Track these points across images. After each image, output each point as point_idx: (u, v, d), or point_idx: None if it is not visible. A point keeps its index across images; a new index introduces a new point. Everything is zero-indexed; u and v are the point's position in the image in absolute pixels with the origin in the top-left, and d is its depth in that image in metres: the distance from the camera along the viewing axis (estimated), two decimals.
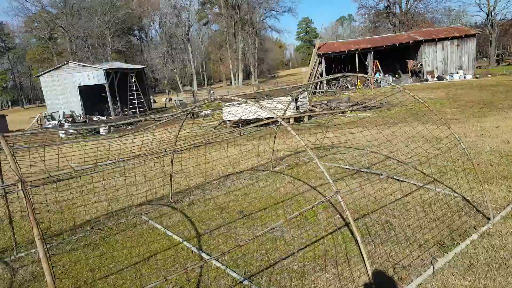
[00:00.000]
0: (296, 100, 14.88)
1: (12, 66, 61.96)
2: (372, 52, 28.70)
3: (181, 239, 4.73)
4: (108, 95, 26.50)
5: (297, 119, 15.60)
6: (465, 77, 26.33)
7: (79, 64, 26.38)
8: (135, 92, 28.52)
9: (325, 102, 20.24)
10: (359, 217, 4.93)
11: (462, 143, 4.58)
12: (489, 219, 4.46)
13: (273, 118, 4.02)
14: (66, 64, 26.30)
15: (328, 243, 4.33)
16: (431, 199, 5.28)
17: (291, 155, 8.62)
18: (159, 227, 5.22)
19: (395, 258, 3.80)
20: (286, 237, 4.58)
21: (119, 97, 27.84)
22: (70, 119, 24.35)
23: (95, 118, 27.25)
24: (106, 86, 26.10)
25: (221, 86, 71.36)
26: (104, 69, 25.61)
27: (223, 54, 67.12)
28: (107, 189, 7.10)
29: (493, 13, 42.75)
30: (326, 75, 29.09)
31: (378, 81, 28.72)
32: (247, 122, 15.84)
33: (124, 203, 6.46)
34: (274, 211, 5.46)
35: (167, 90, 46.44)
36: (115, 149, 5.98)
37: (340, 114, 15.89)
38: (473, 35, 28.83)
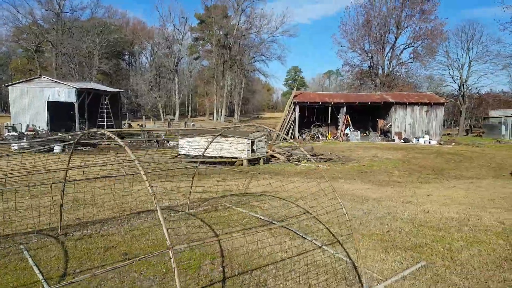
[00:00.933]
0: (252, 143, 14.90)
1: None
2: (345, 107, 29.57)
3: (41, 277, 4.35)
4: (76, 113, 26.10)
5: (253, 162, 15.54)
6: (430, 142, 27.18)
7: (51, 80, 26.14)
8: (105, 115, 28.22)
9: (289, 148, 20.36)
10: (240, 273, 4.68)
11: (344, 208, 4.49)
12: None
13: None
14: (38, 77, 26.05)
15: None
16: (323, 261, 5.09)
17: (216, 198, 8.39)
18: (30, 260, 4.82)
19: None
20: None
21: (88, 117, 27.49)
22: (32, 133, 23.67)
23: (60, 135, 26.61)
24: (76, 104, 25.79)
25: (203, 120, 71.77)
26: (76, 88, 25.42)
27: (209, 89, 68.14)
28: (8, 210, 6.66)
29: (464, 86, 45.30)
30: (298, 123, 29.64)
31: (348, 134, 29.40)
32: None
33: (17, 229, 6.03)
34: (160, 257, 5.15)
35: (144, 116, 46.25)
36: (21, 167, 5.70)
37: (295, 162, 15.93)
38: (442, 104, 30.22)
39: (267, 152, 16.65)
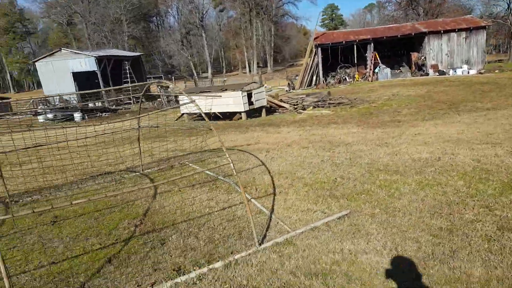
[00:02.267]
0: (250, 95, 14.45)
1: (33, 50, 64.57)
2: (372, 44, 27.34)
3: None
4: (100, 81, 27.05)
5: (252, 115, 15.19)
6: (468, 72, 24.52)
7: (71, 51, 27.05)
8: (129, 80, 28.94)
9: (303, 96, 19.56)
10: (149, 231, 4.67)
11: (232, 163, 4.18)
12: (261, 243, 4.08)
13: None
14: (59, 51, 27.06)
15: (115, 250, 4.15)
16: (242, 215, 4.92)
17: (178, 156, 8.34)
18: None
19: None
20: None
21: (113, 84, 28.41)
22: (63, 104, 25.12)
23: (90, 105, 28.00)
24: (98, 73, 26.66)
25: (237, 74, 71.10)
26: (95, 56, 26.12)
27: (239, 41, 66.59)
28: None
29: None
30: (322, 67, 28.15)
31: (378, 73, 27.43)
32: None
33: None
34: (90, 219, 5.30)
35: (173, 78, 46.76)
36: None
37: (299, 110, 15.34)
38: (483, 27, 26.74)
39: (270, 102, 16.17)
